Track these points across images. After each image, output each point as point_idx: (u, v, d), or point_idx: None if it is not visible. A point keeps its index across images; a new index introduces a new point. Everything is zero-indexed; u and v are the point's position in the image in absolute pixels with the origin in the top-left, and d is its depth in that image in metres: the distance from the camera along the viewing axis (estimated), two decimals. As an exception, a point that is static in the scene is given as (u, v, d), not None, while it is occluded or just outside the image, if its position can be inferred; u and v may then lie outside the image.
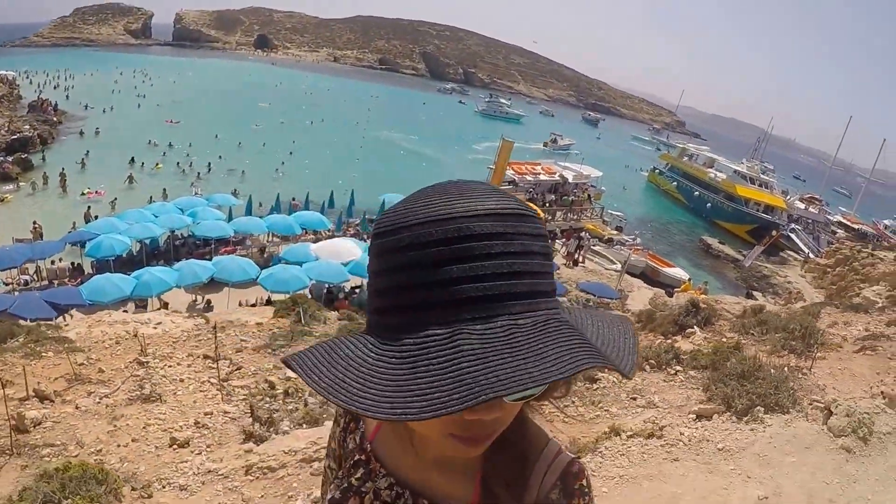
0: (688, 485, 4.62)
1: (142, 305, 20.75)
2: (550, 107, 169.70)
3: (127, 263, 24.37)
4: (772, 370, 6.88)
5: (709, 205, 58.21)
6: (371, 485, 1.07)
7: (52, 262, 24.78)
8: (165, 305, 20.29)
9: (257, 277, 22.32)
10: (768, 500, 4.35)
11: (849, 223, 63.93)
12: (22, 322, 13.72)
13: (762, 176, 58.73)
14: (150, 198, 33.80)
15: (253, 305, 21.27)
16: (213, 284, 22.69)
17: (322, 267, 23.09)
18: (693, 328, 11.84)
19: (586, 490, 1.00)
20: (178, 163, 45.27)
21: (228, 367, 8.87)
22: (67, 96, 68.22)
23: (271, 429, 6.84)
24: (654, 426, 5.86)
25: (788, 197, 61.36)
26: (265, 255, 27.84)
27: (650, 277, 34.61)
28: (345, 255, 23.91)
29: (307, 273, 22.41)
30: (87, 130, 52.78)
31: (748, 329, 10.75)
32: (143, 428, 6.98)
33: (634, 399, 6.89)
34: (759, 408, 5.90)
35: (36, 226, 28.47)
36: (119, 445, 6.55)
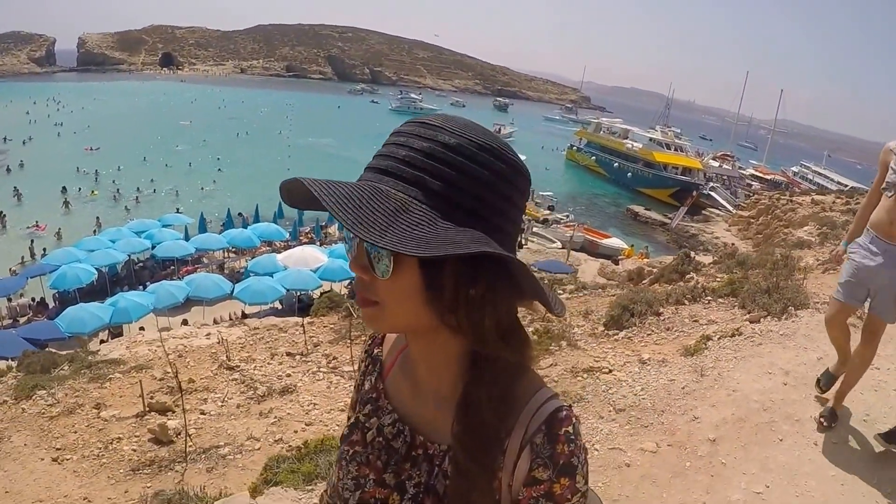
0: (776, 356, 5.97)
1: (117, 333, 20.49)
2: (459, 97, 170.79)
3: (90, 292, 23.94)
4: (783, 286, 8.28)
5: (629, 174, 59.91)
6: (375, 420, 1.15)
7: (10, 300, 24.01)
8: (141, 329, 20.23)
9: (232, 292, 22.40)
10: (822, 358, 5.67)
11: (761, 174, 66.81)
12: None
13: (677, 140, 60.93)
14: (95, 230, 33.15)
15: (230, 320, 21.38)
16: (184, 304, 22.46)
17: (294, 275, 23.30)
18: (691, 274, 12.93)
19: (572, 437, 0.98)
20: (115, 188, 44.50)
21: (321, 358, 9.29)
22: (-17, 131, 65.42)
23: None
24: (731, 329, 7.04)
25: (702, 157, 63.58)
26: (226, 271, 27.74)
27: (590, 250, 35.76)
28: (312, 262, 24.16)
29: (280, 283, 22.56)
30: (11, 164, 50.87)
31: (731, 269, 11.92)
32: (307, 413, 7.33)
33: (696, 321, 7.81)
34: (791, 307, 7.40)
35: None
36: (296, 431, 6.88)
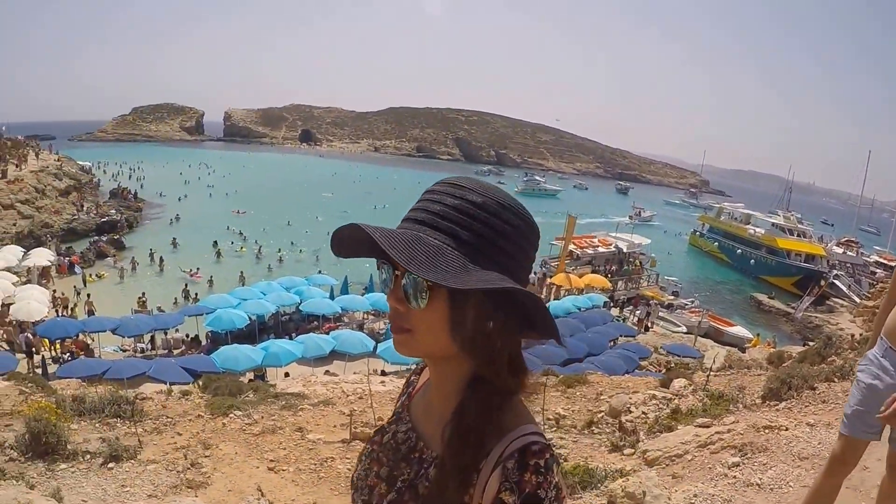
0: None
1: (259, 375, 21.06)
2: (581, 180, 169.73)
3: (238, 336, 24.92)
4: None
5: (752, 261, 57.65)
6: (394, 427, 1.30)
7: (166, 333, 25.75)
8: (286, 375, 20.67)
9: (375, 350, 22.69)
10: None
11: (886, 261, 61.95)
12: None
13: (799, 226, 58.24)
14: (242, 283, 34.87)
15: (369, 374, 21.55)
16: (327, 357, 23.09)
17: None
18: (832, 357, 12.39)
19: (542, 470, 1.02)
20: (258, 248, 46.51)
21: None
22: (142, 185, 71.00)
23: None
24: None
25: (825, 244, 60.30)
26: (365, 331, 28.14)
27: (715, 337, 34.43)
28: (449, 331, 24.31)
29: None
30: (169, 217, 55.24)
31: (868, 354, 11.37)
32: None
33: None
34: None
35: (143, 299, 29.89)
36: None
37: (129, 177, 79.05)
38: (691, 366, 24.78)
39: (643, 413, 8.69)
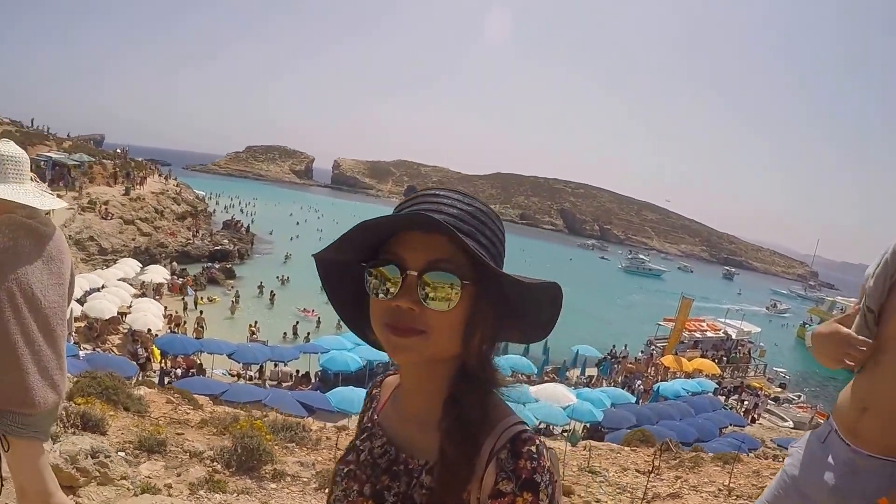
0: None
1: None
2: (685, 261, 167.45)
3: (348, 378, 25.27)
4: None
5: None
6: (368, 444, 1.27)
7: (275, 365, 26.47)
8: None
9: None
10: None
11: None
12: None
13: None
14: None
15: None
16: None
17: (545, 409, 23.56)
18: None
19: (535, 455, 1.05)
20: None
21: (674, 480, 9.41)
22: (252, 221, 73.57)
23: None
24: None
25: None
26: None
27: (822, 436, 32.94)
28: (563, 399, 24.36)
29: (532, 412, 22.74)
30: (280, 254, 57.37)
31: None
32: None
33: None
34: None
35: (253, 329, 30.94)
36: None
37: (241, 211, 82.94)
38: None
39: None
